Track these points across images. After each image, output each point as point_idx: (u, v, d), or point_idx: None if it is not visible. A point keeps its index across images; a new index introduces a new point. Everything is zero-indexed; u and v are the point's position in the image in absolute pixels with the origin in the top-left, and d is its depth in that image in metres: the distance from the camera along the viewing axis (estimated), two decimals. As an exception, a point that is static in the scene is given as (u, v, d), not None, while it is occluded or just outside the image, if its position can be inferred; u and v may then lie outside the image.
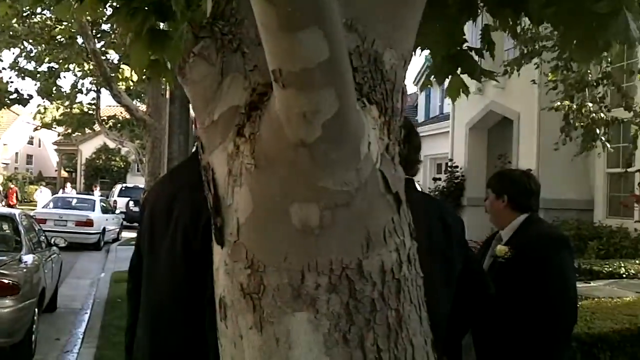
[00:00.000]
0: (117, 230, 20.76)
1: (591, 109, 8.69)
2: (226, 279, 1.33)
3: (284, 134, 1.17)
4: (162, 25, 3.03)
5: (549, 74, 8.96)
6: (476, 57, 3.40)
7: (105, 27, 14.84)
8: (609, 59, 8.46)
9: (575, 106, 8.69)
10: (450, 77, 3.52)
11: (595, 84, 8.81)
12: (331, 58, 1.08)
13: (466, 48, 3.41)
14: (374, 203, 1.26)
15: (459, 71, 3.52)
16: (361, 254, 1.24)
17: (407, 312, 1.28)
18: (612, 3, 2.53)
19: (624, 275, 7.37)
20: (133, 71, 12.54)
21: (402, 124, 2.79)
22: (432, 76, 3.46)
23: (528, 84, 12.23)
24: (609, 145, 8.99)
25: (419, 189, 5.75)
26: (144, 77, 9.12)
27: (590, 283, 6.85)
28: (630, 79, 9.81)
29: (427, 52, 3.36)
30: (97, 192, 28.88)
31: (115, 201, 26.47)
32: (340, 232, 1.23)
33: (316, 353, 1.23)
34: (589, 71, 8.77)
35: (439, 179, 16.84)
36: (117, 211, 22.94)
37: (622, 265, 7.72)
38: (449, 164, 16.41)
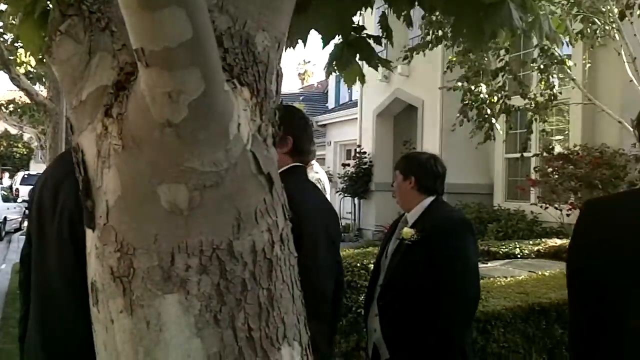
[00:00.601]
0: (19, 219, 19.88)
1: (485, 93, 9.00)
2: (97, 263, 1.30)
3: (150, 115, 1.16)
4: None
5: (454, 59, 9.20)
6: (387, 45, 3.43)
7: (3, 6, 14.09)
8: (507, 49, 8.84)
9: (472, 87, 8.97)
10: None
11: (494, 74, 9.12)
12: (195, 38, 1.07)
13: (365, 35, 3.47)
14: (245, 184, 1.26)
15: (357, 58, 3.58)
16: (232, 234, 1.24)
17: (279, 291, 1.30)
18: (496, -7, 2.65)
19: (519, 256, 7.68)
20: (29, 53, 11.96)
21: (300, 115, 2.81)
22: (333, 62, 3.48)
23: (432, 72, 12.56)
24: (498, 128, 9.33)
25: (316, 176, 5.77)
26: (42, 59, 8.72)
27: (487, 263, 7.10)
28: (526, 68, 10.22)
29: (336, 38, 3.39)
30: (5, 179, 27.55)
31: (17, 189, 25.33)
32: (210, 213, 1.23)
33: (187, 334, 1.22)
34: (485, 59, 9.06)
35: (348, 165, 17.06)
36: (19, 200, 21.94)
37: (518, 246, 8.04)
38: (358, 150, 16.65)
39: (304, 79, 45.98)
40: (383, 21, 3.59)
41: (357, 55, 3.52)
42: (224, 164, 1.21)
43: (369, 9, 3.38)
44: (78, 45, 1.30)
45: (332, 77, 21.66)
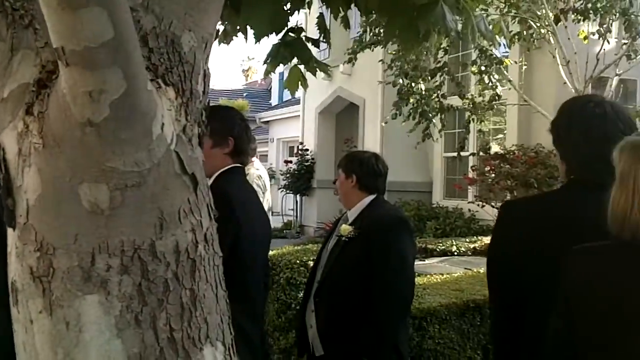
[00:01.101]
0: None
1: (424, 90, 9.15)
2: (17, 263, 1.28)
3: (71, 114, 1.15)
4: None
5: (393, 60, 9.30)
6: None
7: None
8: (446, 50, 9.00)
9: (412, 84, 9.10)
10: (289, 66, 3.58)
11: (432, 73, 9.27)
12: (116, 37, 1.07)
13: (303, 37, 3.48)
14: (168, 184, 1.26)
15: (295, 61, 3.59)
16: (154, 234, 1.24)
17: (202, 291, 1.30)
18: (429, -6, 2.70)
19: (456, 253, 7.82)
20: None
21: (240, 116, 2.82)
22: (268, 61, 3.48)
23: (373, 72, 12.65)
24: (437, 127, 9.49)
25: (257, 172, 5.75)
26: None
27: (425, 261, 7.21)
28: (465, 69, 10.43)
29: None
30: None
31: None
32: (131, 213, 1.22)
33: (107, 335, 1.22)
34: (424, 58, 9.18)
35: (290, 162, 17.07)
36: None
37: (454, 243, 8.18)
38: (300, 147, 16.68)
39: (248, 75, 45.66)
40: (321, 22, 3.61)
41: (295, 57, 3.55)
42: (146, 163, 1.21)
43: (311, 12, 3.41)
44: (0, 43, 1.28)
45: (276, 74, 21.61)
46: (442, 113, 9.31)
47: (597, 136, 2.15)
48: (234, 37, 3.51)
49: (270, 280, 3.24)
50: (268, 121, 21.89)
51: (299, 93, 18.88)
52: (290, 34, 3.38)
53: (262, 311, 2.81)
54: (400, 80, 9.17)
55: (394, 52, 9.06)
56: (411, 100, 9.09)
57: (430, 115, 9.11)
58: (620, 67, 8.54)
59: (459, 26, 2.97)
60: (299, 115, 17.89)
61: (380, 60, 9.75)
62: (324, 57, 15.69)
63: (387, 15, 2.99)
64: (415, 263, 7.14)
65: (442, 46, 8.55)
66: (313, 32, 3.61)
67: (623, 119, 2.20)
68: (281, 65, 3.47)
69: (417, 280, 5.55)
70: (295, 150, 17.43)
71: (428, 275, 5.88)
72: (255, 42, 2.96)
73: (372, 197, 3.30)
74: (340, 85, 15.10)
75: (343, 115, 16.14)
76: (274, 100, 24.53)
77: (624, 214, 1.68)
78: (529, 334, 2.14)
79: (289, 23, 3.30)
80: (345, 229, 3.24)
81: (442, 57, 9.17)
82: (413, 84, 9.03)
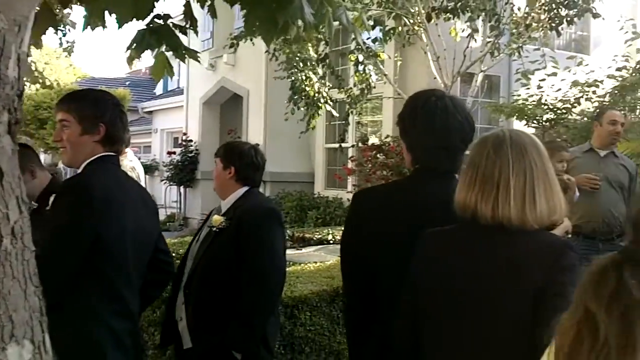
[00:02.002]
0: None
1: (315, 84, 9.28)
2: None
3: None
4: None
5: (276, 48, 9.34)
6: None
7: None
8: (327, 42, 9.15)
9: (304, 77, 9.19)
10: (155, 53, 3.50)
11: (314, 64, 9.40)
12: None
13: (171, 24, 3.42)
14: (-31, 174, 1.21)
15: (164, 48, 3.53)
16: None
17: (8, 288, 1.25)
18: (288, -13, 2.74)
19: (332, 241, 7.96)
20: None
21: (114, 101, 2.67)
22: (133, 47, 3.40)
23: (256, 62, 12.66)
24: (316, 119, 9.65)
25: (130, 164, 5.61)
26: None
27: (301, 250, 7.31)
28: (345, 62, 10.63)
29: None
30: None
31: None
32: None
33: None
34: (308, 50, 9.29)
35: (174, 153, 16.76)
36: None
37: (331, 232, 8.32)
38: (184, 138, 16.42)
39: (132, 63, 44.14)
40: (187, 10, 3.57)
41: (163, 44, 3.49)
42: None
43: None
44: None
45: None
46: (328, 104, 9.48)
47: (440, 128, 2.28)
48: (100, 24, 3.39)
49: (166, 277, 3.08)
50: (151, 111, 21.35)
51: (183, 83, 18.56)
52: (156, 20, 3.33)
53: (137, 310, 2.64)
54: (295, 74, 9.25)
55: (277, 44, 9.10)
56: (311, 93, 9.19)
57: (318, 106, 9.25)
58: (485, 63, 9.01)
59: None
60: (183, 106, 17.59)
61: (266, 52, 9.76)
62: (208, 46, 15.53)
63: (247, 7, 2.99)
64: (292, 252, 7.23)
65: (322, 38, 8.73)
66: (203, 20, 3.55)
67: (461, 112, 2.35)
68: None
69: (292, 269, 5.64)
70: (179, 141, 17.14)
71: (302, 264, 5.94)
72: (119, 28, 2.87)
73: (246, 188, 3.30)
74: (225, 76, 14.99)
75: (227, 105, 16.04)
76: (158, 90, 23.93)
77: (465, 197, 1.84)
78: (381, 316, 2.25)
79: (154, 10, 3.25)
80: (216, 219, 3.21)
81: (323, 50, 9.32)
82: (304, 77, 9.14)
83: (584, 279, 1.15)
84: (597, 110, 6.48)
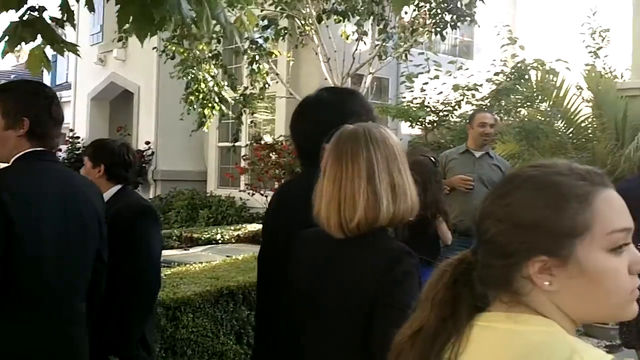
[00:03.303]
0: None
1: (209, 83, 9.20)
2: None
3: None
4: None
5: (168, 45, 9.19)
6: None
7: None
8: (219, 40, 9.10)
9: (201, 76, 9.10)
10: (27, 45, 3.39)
11: (207, 63, 9.32)
12: None
13: (47, 17, 3.32)
14: None
15: (40, 40, 3.41)
16: None
17: None
18: (164, -17, 2.72)
19: (220, 241, 7.96)
20: None
21: (47, 93, 2.51)
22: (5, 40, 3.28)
23: (148, 58, 12.38)
24: (211, 118, 9.59)
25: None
26: None
27: (189, 250, 7.25)
28: (239, 61, 10.61)
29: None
30: None
31: None
32: None
33: None
34: (202, 48, 9.20)
35: (60, 150, 16.09)
36: None
37: (219, 231, 8.31)
38: (71, 134, 15.81)
39: (19, 56, 42.03)
40: (63, 4, 3.48)
41: (39, 37, 3.38)
42: None
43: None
44: None
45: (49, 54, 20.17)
46: (222, 103, 9.43)
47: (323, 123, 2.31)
48: None
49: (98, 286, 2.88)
50: (38, 106, 20.36)
51: (71, 77, 17.86)
52: (31, 12, 3.23)
53: (64, 317, 2.47)
54: (189, 73, 9.12)
55: (166, 40, 8.97)
56: (205, 91, 9.09)
57: (213, 105, 9.18)
58: (373, 66, 9.25)
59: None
60: (70, 101, 16.94)
61: (154, 48, 9.57)
62: (98, 40, 15.03)
63: (121, 2, 2.94)
64: (178, 253, 7.14)
65: (214, 36, 8.67)
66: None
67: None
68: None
69: (176, 270, 5.57)
70: (66, 137, 16.47)
71: (188, 265, 5.89)
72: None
73: (118, 187, 3.22)
74: (115, 71, 14.57)
75: (117, 102, 15.59)
76: (47, 84, 22.85)
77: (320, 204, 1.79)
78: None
79: (28, 1, 3.15)
80: None
81: (215, 48, 9.26)
82: (200, 75, 9.05)
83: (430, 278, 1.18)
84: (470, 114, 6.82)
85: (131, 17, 2.90)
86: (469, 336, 1.09)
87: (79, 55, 3.89)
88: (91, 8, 3.47)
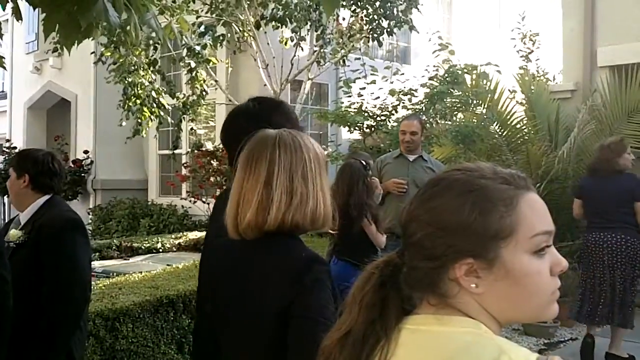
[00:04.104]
0: None
1: (146, 89, 9.11)
2: None
3: None
4: None
5: (103, 51, 9.07)
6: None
7: None
8: (155, 47, 9.01)
9: (138, 82, 8.99)
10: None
11: (145, 69, 9.23)
12: None
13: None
14: None
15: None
16: None
17: None
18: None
19: (161, 250, 7.87)
20: None
21: None
22: None
23: (84, 66, 12.17)
24: (148, 125, 9.50)
25: None
26: None
27: (129, 260, 7.15)
28: (177, 68, 10.51)
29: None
30: None
31: None
32: None
33: None
34: (139, 54, 9.10)
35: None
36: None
37: (160, 240, 8.22)
38: (7, 145, 15.38)
39: None
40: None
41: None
42: None
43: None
44: None
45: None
46: (161, 110, 9.34)
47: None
48: None
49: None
50: (-29, 116, 19.81)
51: (7, 87, 17.39)
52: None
53: None
54: (126, 79, 9.00)
55: (102, 45, 8.85)
56: (142, 97, 8.98)
57: (151, 111, 9.09)
58: (312, 72, 9.32)
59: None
60: (6, 111, 16.51)
61: (92, 52, 9.43)
62: (33, 49, 14.69)
63: (47, 10, 2.91)
64: (118, 262, 7.04)
65: (151, 42, 8.59)
66: (27, 22, 3.40)
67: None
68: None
69: (115, 280, 5.51)
70: (2, 148, 16.02)
71: (127, 275, 5.82)
72: None
73: (46, 197, 3.15)
74: (51, 80, 14.26)
75: (54, 111, 15.25)
76: (-19, 93, 22.21)
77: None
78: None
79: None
80: (14, 234, 3.04)
81: (152, 55, 9.18)
82: (136, 81, 8.94)
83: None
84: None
85: (57, 25, 2.87)
86: (398, 339, 1.10)
87: (4, 68, 3.83)
88: (19, 17, 3.42)
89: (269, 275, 1.62)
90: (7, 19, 3.70)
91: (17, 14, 3.39)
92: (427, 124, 8.45)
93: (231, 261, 1.74)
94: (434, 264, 1.08)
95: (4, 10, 3.51)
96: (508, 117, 8.14)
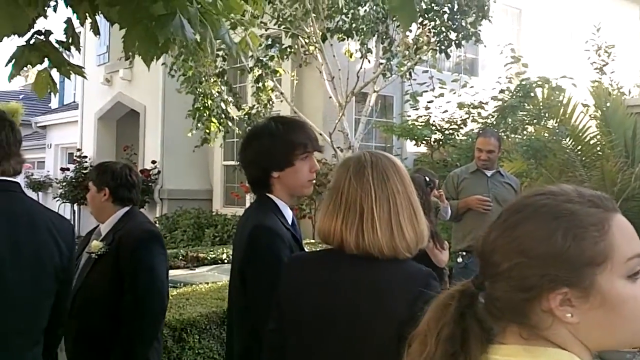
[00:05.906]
0: None
1: (215, 100, 9.26)
2: None
3: None
4: None
5: (174, 64, 9.25)
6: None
7: None
8: (224, 58, 9.15)
9: (207, 91, 9.15)
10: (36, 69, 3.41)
11: (215, 80, 9.38)
12: None
13: (54, 40, 3.34)
14: None
15: (47, 64, 3.43)
16: None
17: None
18: (167, 6, 2.73)
19: (226, 261, 7.88)
20: None
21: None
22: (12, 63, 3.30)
23: (154, 78, 12.46)
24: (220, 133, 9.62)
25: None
26: None
27: (195, 270, 7.20)
28: (243, 80, 10.65)
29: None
30: None
31: None
32: None
33: None
34: (208, 65, 9.24)
35: (67, 169, 16.15)
36: None
37: (225, 251, 8.24)
38: (78, 154, 15.87)
39: (27, 76, 42.30)
40: (68, 27, 3.50)
41: (45, 60, 3.40)
42: None
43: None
44: None
45: (55, 76, 20.32)
46: (228, 120, 9.47)
47: None
48: None
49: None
50: (45, 126, 20.59)
51: (78, 97, 17.98)
52: (38, 36, 3.25)
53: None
54: (197, 88, 9.18)
55: (174, 57, 9.03)
56: (210, 107, 9.13)
57: (220, 122, 9.23)
58: (378, 84, 9.25)
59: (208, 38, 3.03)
60: (78, 121, 17.05)
61: (163, 64, 9.64)
62: (104, 61, 15.14)
63: (126, 25, 2.96)
64: (184, 273, 7.10)
65: (219, 54, 8.72)
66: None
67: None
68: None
69: (182, 290, 5.54)
70: (73, 157, 16.55)
71: (193, 285, 5.85)
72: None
73: (126, 209, 3.20)
74: (121, 91, 14.67)
75: (124, 121, 15.67)
76: (54, 104, 23.03)
77: (330, 225, 1.81)
78: None
79: (35, 26, 3.17)
80: (95, 245, 3.08)
81: (221, 66, 9.31)
82: (207, 93, 9.10)
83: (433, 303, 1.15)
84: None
85: (137, 42, 2.91)
86: None
87: (85, 78, 3.92)
88: (96, 32, 3.48)
89: (391, 288, 1.69)
90: (80, 31, 3.77)
91: (94, 29, 3.46)
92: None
93: (339, 275, 1.78)
94: (526, 295, 1.03)
95: (82, 25, 3.59)
96: (581, 131, 7.89)
